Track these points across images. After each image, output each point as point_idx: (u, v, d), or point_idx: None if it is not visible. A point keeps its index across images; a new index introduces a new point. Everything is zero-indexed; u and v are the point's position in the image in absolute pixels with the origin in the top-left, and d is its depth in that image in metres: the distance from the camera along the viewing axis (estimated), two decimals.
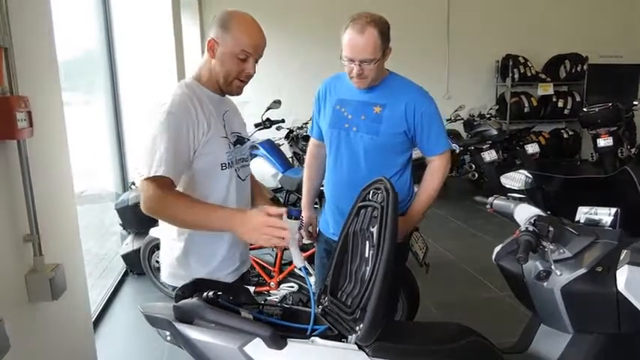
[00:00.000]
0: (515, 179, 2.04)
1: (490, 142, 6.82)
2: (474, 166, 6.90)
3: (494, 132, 6.90)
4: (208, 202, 1.60)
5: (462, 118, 7.73)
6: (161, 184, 1.50)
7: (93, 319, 3.33)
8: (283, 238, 1.38)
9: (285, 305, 1.69)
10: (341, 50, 1.94)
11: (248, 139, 1.85)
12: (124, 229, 4.43)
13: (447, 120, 7.69)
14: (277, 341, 1.33)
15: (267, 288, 3.24)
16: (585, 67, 8.83)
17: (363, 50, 1.87)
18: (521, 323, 1.96)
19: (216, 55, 1.62)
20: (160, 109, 1.54)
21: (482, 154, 6.72)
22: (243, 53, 1.60)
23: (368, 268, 1.42)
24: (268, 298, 3.19)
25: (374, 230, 1.44)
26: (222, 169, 1.67)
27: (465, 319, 1.80)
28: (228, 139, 1.70)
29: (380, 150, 2.06)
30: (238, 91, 1.71)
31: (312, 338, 1.40)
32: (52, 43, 2.16)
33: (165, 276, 1.78)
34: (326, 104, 2.15)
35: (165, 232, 1.75)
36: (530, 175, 1.98)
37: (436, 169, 2.14)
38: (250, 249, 3.08)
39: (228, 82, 1.66)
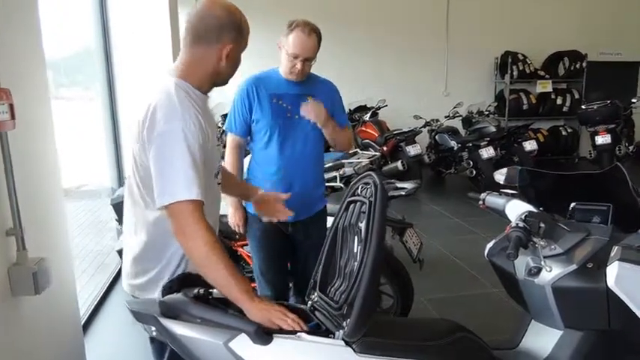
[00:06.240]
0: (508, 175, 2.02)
1: (488, 139, 6.80)
2: (471, 162, 6.87)
3: (493, 129, 6.88)
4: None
5: (461, 115, 7.72)
6: (198, 209, 1.42)
7: (87, 316, 3.32)
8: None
9: (276, 303, 1.67)
10: (279, 46, 2.32)
11: (219, 138, 1.79)
12: (119, 225, 4.41)
13: (446, 117, 7.68)
14: (262, 337, 1.32)
15: None
16: (584, 64, 8.79)
17: (310, 49, 2.28)
18: (514, 320, 1.95)
19: (230, 58, 1.58)
20: (172, 125, 1.45)
21: (480, 151, 6.70)
22: None
23: (356, 264, 1.41)
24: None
25: (362, 225, 1.43)
26: (214, 178, 1.64)
27: (459, 316, 1.79)
28: (218, 143, 1.68)
29: (320, 130, 2.43)
30: None
31: (299, 334, 1.39)
32: (39, 37, 2.13)
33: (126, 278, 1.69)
34: (260, 100, 2.39)
35: (125, 229, 1.66)
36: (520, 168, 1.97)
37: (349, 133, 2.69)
38: (243, 245, 3.08)
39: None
